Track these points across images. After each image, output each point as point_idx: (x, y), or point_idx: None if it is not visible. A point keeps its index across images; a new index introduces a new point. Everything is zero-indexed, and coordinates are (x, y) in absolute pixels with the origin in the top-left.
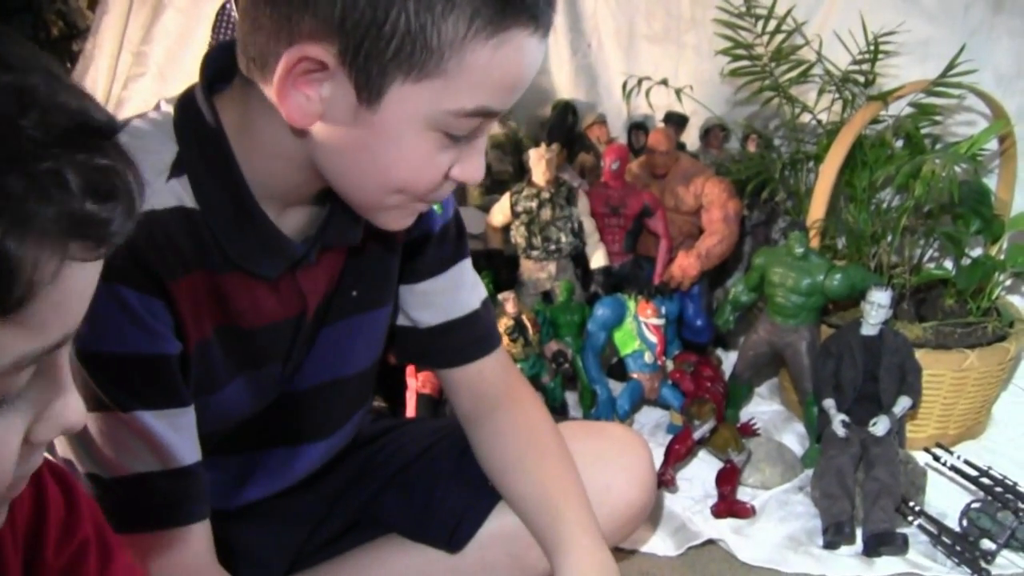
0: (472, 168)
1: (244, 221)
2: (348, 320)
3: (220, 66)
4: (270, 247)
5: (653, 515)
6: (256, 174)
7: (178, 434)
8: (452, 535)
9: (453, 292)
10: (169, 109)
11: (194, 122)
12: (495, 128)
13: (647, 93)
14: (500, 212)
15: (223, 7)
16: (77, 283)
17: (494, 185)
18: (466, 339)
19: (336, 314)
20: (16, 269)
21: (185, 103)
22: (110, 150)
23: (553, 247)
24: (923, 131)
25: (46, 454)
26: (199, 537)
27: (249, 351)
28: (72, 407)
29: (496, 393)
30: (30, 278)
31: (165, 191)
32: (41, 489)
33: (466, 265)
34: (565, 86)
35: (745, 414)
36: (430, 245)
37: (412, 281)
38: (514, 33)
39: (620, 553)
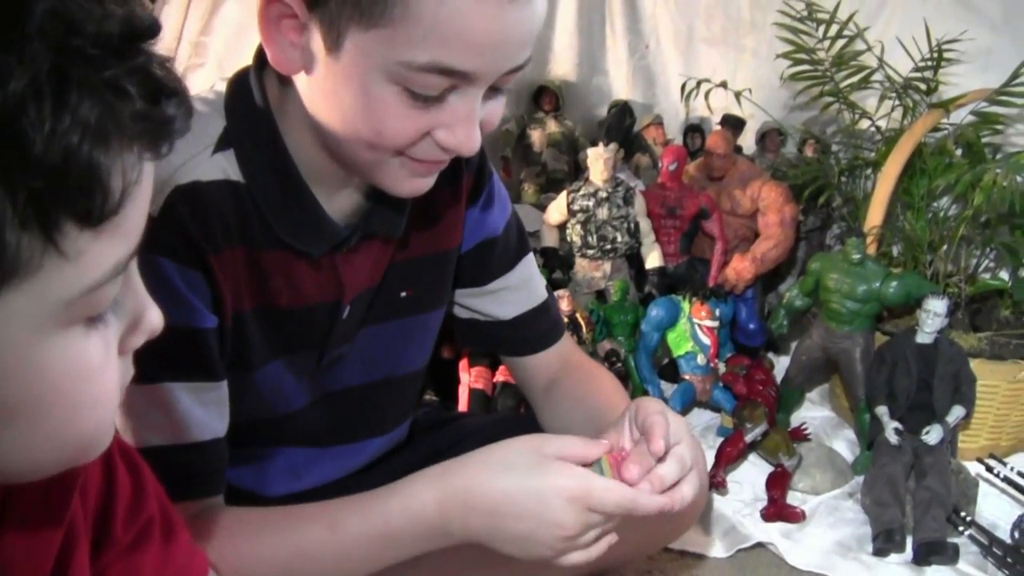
0: (459, 135)
1: (289, 197)
2: (399, 321)
3: None
4: (312, 225)
5: (703, 517)
6: (299, 152)
7: (204, 408)
8: None
9: (526, 284)
10: (222, 88)
11: (243, 99)
12: (552, 127)
13: (707, 95)
14: (557, 210)
15: None
16: (149, 181)
17: (549, 184)
18: (542, 327)
19: (383, 314)
20: (110, 179)
21: (236, 81)
22: (157, 49)
23: (609, 246)
24: (984, 140)
25: None
26: (214, 510)
27: (284, 332)
28: (154, 312)
29: (569, 370)
30: (124, 185)
31: (211, 164)
32: (111, 467)
33: (531, 257)
34: (622, 87)
35: (796, 419)
36: (497, 244)
37: (485, 281)
38: None
39: (670, 554)
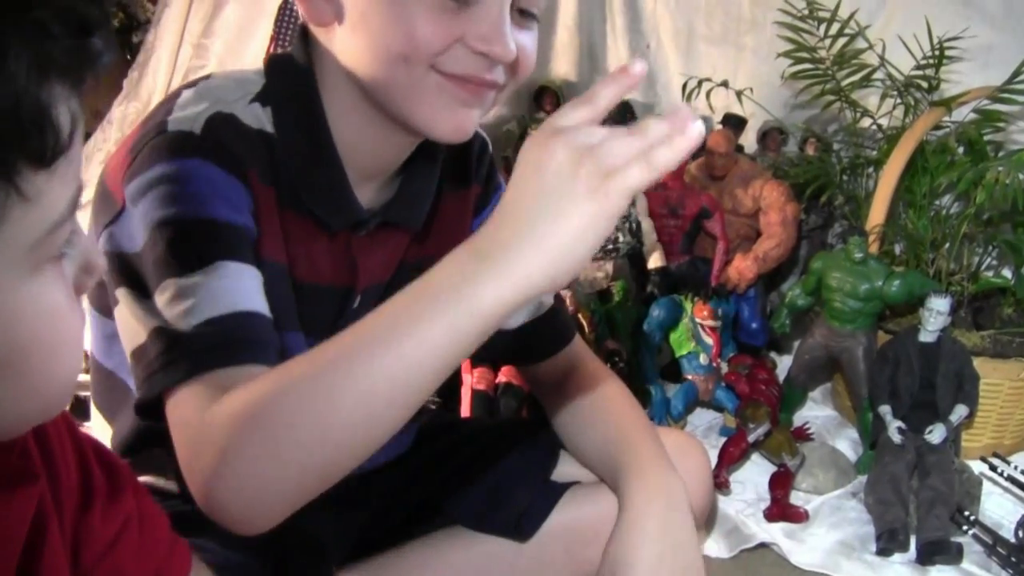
0: (491, 36)
1: (317, 159)
2: None
3: None
4: (336, 193)
5: (706, 517)
6: (337, 125)
7: (250, 283)
8: (518, 524)
9: None
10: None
11: (286, 62)
12: None
13: (708, 94)
14: None
15: (285, 1)
16: (82, 117)
17: None
18: (553, 332)
19: None
20: (59, 117)
21: (277, 53)
22: None
23: (611, 247)
24: (986, 138)
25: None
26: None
27: (300, 308)
28: (96, 250)
29: (580, 373)
30: (71, 121)
31: (247, 110)
32: (87, 467)
33: None
34: None
35: (799, 418)
36: None
37: None
38: None
39: None
